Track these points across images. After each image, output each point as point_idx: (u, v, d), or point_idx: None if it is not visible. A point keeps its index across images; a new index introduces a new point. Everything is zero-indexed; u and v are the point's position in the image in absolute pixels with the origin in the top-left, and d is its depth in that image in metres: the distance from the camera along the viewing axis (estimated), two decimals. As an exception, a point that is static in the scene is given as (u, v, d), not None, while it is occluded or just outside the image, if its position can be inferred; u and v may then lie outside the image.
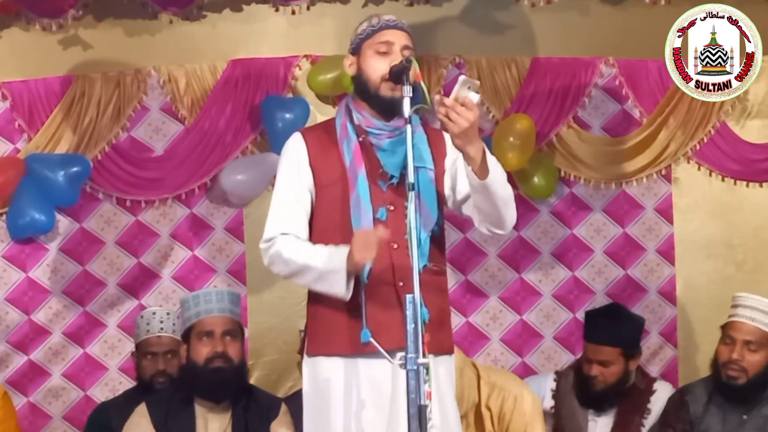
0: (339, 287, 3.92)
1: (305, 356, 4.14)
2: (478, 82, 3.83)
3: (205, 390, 5.11)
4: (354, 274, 3.91)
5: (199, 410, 5.11)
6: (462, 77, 3.82)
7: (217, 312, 5.15)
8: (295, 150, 4.13)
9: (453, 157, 4.11)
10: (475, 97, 3.78)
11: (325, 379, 4.04)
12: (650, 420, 5.61)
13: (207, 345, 5.11)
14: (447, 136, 4.14)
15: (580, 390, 5.68)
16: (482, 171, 3.88)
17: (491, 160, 3.91)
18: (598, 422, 5.65)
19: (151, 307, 6.04)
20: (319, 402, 4.06)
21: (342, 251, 3.92)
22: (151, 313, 5.75)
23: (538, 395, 5.39)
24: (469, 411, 5.16)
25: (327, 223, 4.06)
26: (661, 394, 5.69)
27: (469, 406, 5.12)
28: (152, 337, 5.66)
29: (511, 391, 5.20)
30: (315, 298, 4.11)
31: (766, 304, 5.28)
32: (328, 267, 3.93)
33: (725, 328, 5.34)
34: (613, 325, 5.65)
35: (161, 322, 5.67)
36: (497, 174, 3.93)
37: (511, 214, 4.07)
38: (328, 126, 4.18)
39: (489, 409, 5.18)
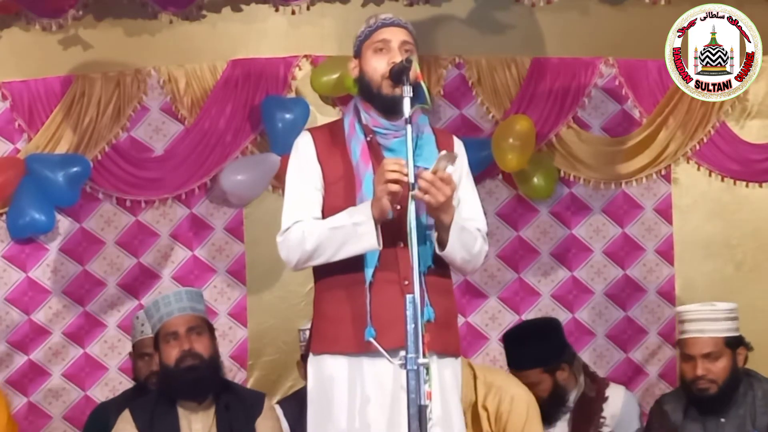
0: (369, 238, 3.90)
1: (310, 354, 4.15)
2: (456, 155, 3.87)
3: (183, 390, 5.09)
4: (381, 219, 3.89)
5: (182, 412, 5.10)
6: (443, 152, 3.87)
7: (178, 312, 5.13)
8: (304, 147, 4.14)
9: (459, 167, 4.13)
10: (451, 170, 3.85)
11: (329, 376, 4.05)
12: (606, 428, 5.59)
13: (174, 346, 5.09)
14: (456, 142, 4.17)
15: None
16: (443, 241, 3.97)
17: (455, 228, 3.96)
18: (554, 434, 5.65)
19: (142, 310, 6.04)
20: (323, 399, 4.07)
21: (363, 204, 3.94)
22: (135, 317, 5.76)
23: None
24: (467, 410, 5.16)
25: None
26: (615, 400, 5.66)
27: (466, 406, 5.12)
28: (146, 338, 5.63)
29: (507, 391, 5.20)
30: (321, 297, 4.12)
31: (709, 311, 5.22)
32: (353, 220, 3.93)
33: (680, 346, 5.30)
34: (525, 348, 5.60)
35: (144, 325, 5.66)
36: (455, 246, 3.98)
37: (472, 267, 4.15)
38: (336, 125, 4.20)
39: (486, 409, 5.18)
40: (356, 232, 3.92)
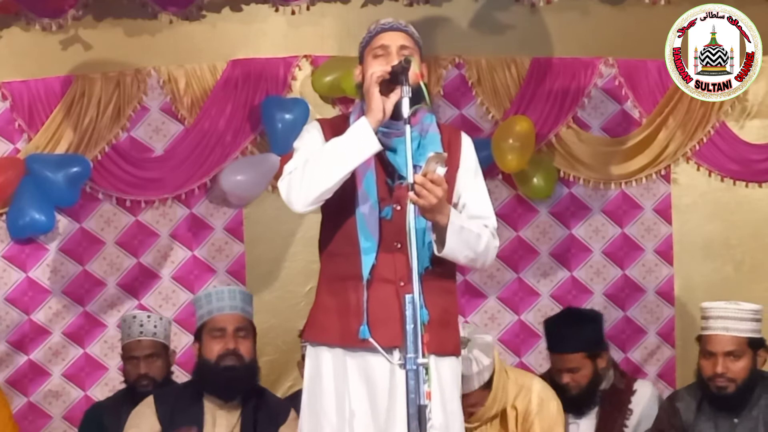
0: (368, 139, 3.90)
1: (308, 345, 4.17)
2: (445, 154, 3.87)
3: (216, 387, 5.11)
4: (378, 123, 3.91)
5: (208, 406, 5.11)
6: (431, 154, 3.85)
7: (229, 310, 5.14)
8: (314, 130, 4.17)
9: (466, 166, 4.15)
10: (442, 171, 3.85)
11: (322, 367, 4.08)
12: (633, 420, 5.61)
13: (219, 342, 5.10)
14: (465, 138, 4.17)
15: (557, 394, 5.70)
16: (441, 242, 3.96)
17: (453, 227, 3.94)
18: (579, 425, 5.65)
19: (133, 311, 6.05)
20: (316, 389, 4.09)
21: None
22: (132, 317, 5.76)
23: None
24: (498, 413, 5.18)
25: (333, 217, 4.09)
26: (642, 393, 5.69)
27: (500, 408, 5.14)
28: (132, 341, 5.67)
29: (538, 393, 5.21)
30: (318, 288, 4.15)
31: (735, 310, 5.22)
32: (350, 130, 3.95)
33: (702, 342, 5.28)
34: (570, 331, 5.65)
35: (141, 326, 5.67)
36: (455, 246, 3.97)
37: (481, 264, 4.13)
38: (342, 119, 4.21)
39: (515, 408, 5.19)
40: (354, 138, 3.93)
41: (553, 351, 5.67)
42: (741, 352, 5.19)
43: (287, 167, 4.05)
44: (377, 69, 3.96)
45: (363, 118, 3.94)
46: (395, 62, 3.98)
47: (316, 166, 3.95)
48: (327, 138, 4.09)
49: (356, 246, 4.02)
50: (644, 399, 5.64)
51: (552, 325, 5.78)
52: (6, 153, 6.20)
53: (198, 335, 5.20)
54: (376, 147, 3.91)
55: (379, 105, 3.91)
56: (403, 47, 4.06)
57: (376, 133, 3.93)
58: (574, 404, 5.59)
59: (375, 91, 3.93)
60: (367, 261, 3.99)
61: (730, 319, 5.20)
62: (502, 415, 5.15)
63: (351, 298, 4.02)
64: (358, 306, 3.99)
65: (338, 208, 4.04)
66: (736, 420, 5.21)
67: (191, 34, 6.35)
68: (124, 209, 6.33)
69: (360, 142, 3.92)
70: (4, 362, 6.19)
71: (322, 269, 4.17)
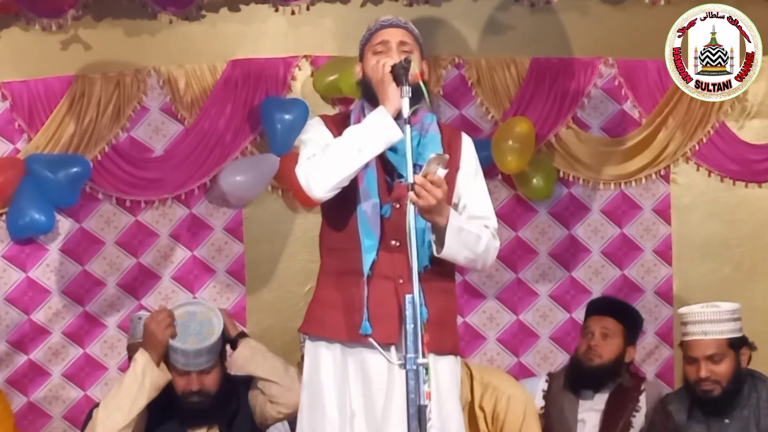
0: (391, 128, 3.92)
1: (306, 340, 4.20)
2: (446, 156, 3.88)
3: (182, 416, 5.11)
4: (395, 110, 3.93)
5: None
6: (432, 155, 3.87)
7: (193, 367, 5.09)
8: (319, 125, 4.20)
9: (466, 167, 4.17)
10: (442, 173, 3.87)
11: (321, 362, 4.11)
12: (639, 419, 5.64)
13: (183, 379, 5.06)
14: (465, 139, 4.18)
15: (572, 373, 5.71)
16: (440, 243, 3.99)
17: (452, 228, 3.96)
18: (586, 423, 5.66)
19: (140, 312, 6.02)
20: (315, 385, 4.12)
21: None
22: (130, 319, 5.79)
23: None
24: (462, 410, 5.17)
25: (334, 214, 4.12)
26: (651, 392, 5.72)
27: (461, 405, 5.13)
28: (130, 342, 5.67)
29: (504, 391, 5.20)
30: (318, 282, 4.19)
31: (712, 313, 5.26)
32: (369, 118, 3.98)
33: (684, 348, 5.34)
34: (617, 305, 5.83)
35: (135, 328, 5.66)
36: (454, 248, 3.99)
37: (482, 265, 4.15)
38: (344, 116, 4.25)
39: (482, 409, 5.19)
40: (375, 125, 3.95)
41: (594, 314, 5.74)
42: (722, 354, 5.23)
43: (304, 153, 4.07)
44: (387, 60, 3.99)
45: (381, 107, 3.96)
46: (396, 60, 4.01)
47: (337, 152, 3.97)
48: (332, 132, 4.12)
49: (357, 242, 4.05)
50: (652, 398, 5.64)
51: (598, 298, 6.03)
52: (6, 153, 6.19)
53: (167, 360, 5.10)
54: (398, 134, 3.92)
55: (397, 93, 3.92)
56: (402, 43, 4.12)
57: None
58: (588, 379, 5.64)
59: (390, 80, 3.94)
60: (368, 258, 4.02)
61: (707, 323, 5.24)
62: (471, 416, 5.14)
63: (351, 294, 4.05)
64: (359, 301, 4.02)
65: (339, 205, 4.07)
66: (727, 420, 5.24)
67: (191, 34, 6.35)
68: (124, 209, 6.32)
69: (381, 130, 3.94)
70: (4, 362, 6.19)
71: (322, 264, 4.21)
